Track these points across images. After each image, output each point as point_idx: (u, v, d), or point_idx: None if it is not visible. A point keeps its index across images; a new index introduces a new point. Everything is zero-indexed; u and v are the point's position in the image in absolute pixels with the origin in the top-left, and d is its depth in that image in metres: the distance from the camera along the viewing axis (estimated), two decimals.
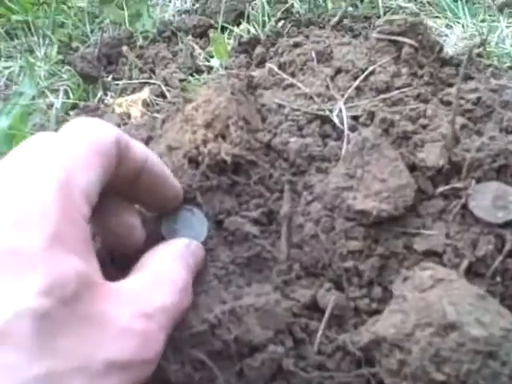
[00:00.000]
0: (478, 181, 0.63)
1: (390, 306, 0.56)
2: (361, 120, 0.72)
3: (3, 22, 1.17)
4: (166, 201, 0.54)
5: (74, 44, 1.15)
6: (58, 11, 1.18)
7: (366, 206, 0.62)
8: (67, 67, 1.09)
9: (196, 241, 0.54)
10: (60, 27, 1.17)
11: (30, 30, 1.15)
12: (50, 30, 1.15)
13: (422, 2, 1.21)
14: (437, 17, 1.20)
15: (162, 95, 1.02)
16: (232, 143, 0.66)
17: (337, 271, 0.61)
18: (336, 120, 0.73)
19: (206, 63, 1.07)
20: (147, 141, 0.78)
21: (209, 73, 1.04)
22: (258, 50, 0.95)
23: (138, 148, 0.47)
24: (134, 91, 1.06)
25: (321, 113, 0.73)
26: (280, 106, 0.74)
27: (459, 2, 1.22)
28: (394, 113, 0.72)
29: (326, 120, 0.73)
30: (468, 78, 0.82)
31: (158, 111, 0.95)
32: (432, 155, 0.66)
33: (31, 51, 1.13)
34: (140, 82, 1.07)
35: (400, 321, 0.53)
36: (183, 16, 1.19)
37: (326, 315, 0.58)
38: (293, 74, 0.79)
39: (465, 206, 0.64)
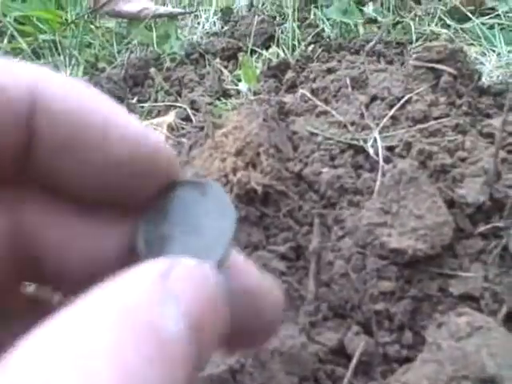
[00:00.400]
0: None
1: (422, 354, 0.52)
2: (396, 151, 0.69)
3: (31, 41, 1.16)
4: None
5: (101, 64, 1.13)
6: (86, 31, 1.16)
7: (401, 244, 0.58)
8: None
9: (210, 260, 0.23)
10: (87, 47, 1.16)
11: (56, 49, 1.14)
12: (76, 49, 1.14)
13: (455, 29, 1.18)
14: (471, 44, 1.17)
15: (188, 119, 0.99)
16: (263, 172, 0.63)
17: (366, 313, 0.58)
18: (370, 150, 0.69)
19: (234, 87, 1.05)
20: None
21: (236, 97, 1.02)
22: (289, 74, 0.92)
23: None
24: (159, 114, 1.04)
25: (354, 142, 0.70)
26: (312, 133, 0.71)
27: (495, 29, 1.19)
28: (431, 144, 0.68)
29: (359, 150, 0.70)
30: (509, 109, 0.79)
31: (183, 135, 0.92)
32: (472, 191, 0.62)
33: (57, 71, 1.12)
34: (166, 105, 1.04)
35: (434, 372, 0.49)
36: (212, 38, 1.17)
37: (354, 362, 0.54)
38: (326, 101, 0.76)
39: (506, 248, 0.60)
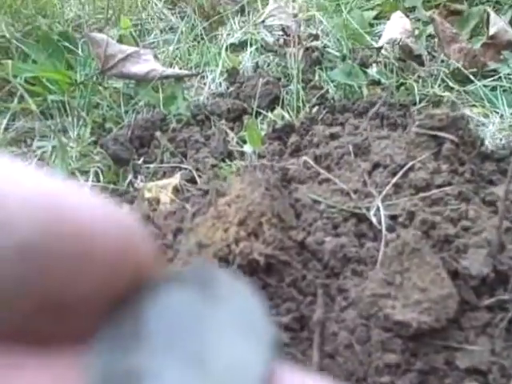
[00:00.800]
0: None
1: None
2: (399, 220, 0.69)
3: (40, 101, 1.18)
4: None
5: (108, 125, 1.15)
6: (94, 92, 1.19)
7: (405, 316, 0.58)
8: (99, 149, 1.09)
9: None
10: (95, 108, 1.17)
11: (65, 110, 1.16)
12: (84, 110, 1.15)
13: (458, 91, 1.19)
14: (474, 105, 1.18)
15: (193, 181, 1.00)
16: (265, 242, 0.64)
17: None
18: (373, 219, 0.69)
19: (239, 148, 1.06)
20: (176, 233, 0.76)
21: (241, 158, 1.03)
22: (293, 138, 0.93)
23: None
24: (164, 175, 1.05)
25: (357, 211, 0.70)
26: (315, 201, 0.72)
27: (497, 91, 1.20)
28: (434, 214, 0.69)
29: (362, 218, 0.70)
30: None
31: (187, 199, 0.93)
32: (476, 263, 0.62)
33: (65, 131, 1.13)
34: (171, 166, 1.05)
35: None
36: (217, 99, 1.19)
37: None
38: (329, 168, 0.77)
39: (511, 320, 0.60)
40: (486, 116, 1.15)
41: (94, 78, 1.21)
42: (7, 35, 1.27)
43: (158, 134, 1.04)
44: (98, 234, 0.15)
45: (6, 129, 1.15)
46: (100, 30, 1.37)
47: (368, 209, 0.71)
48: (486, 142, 0.97)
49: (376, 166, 0.77)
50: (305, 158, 0.78)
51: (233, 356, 0.14)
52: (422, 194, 0.72)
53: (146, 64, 1.19)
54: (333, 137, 0.86)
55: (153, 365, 0.14)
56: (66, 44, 1.29)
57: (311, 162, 0.77)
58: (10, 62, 1.17)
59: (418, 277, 0.60)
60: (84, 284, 0.15)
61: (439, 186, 0.73)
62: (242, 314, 0.14)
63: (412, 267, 0.61)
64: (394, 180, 0.74)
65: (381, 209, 0.70)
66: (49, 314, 0.15)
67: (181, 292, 0.15)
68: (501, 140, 1.05)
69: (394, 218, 0.70)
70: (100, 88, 1.20)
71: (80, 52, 1.29)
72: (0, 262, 0.14)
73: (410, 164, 0.75)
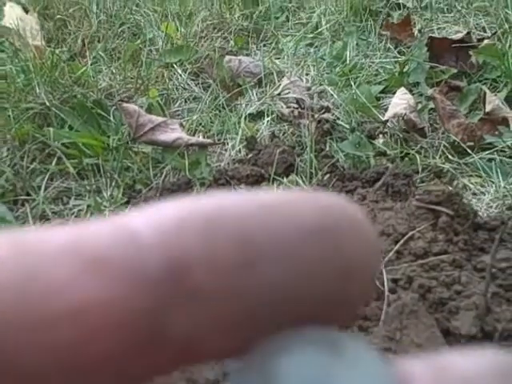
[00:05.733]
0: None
1: None
2: (400, 283, 0.80)
3: (75, 163, 1.30)
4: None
5: (138, 186, 1.26)
6: (125, 156, 1.31)
7: None
8: (129, 208, 1.20)
9: None
10: (126, 170, 1.29)
11: (99, 171, 1.28)
12: (117, 173, 1.27)
13: (457, 162, 1.31)
14: (471, 176, 1.29)
15: None
16: None
17: None
18: (377, 282, 0.80)
19: None
20: None
21: None
22: None
23: None
24: None
25: None
26: None
27: (493, 163, 1.32)
28: (430, 278, 0.79)
29: None
30: (498, 245, 0.90)
31: None
32: (466, 324, 0.72)
33: (99, 192, 1.25)
34: None
35: None
36: (237, 165, 1.31)
37: None
38: None
39: None
40: (482, 186, 1.26)
41: (126, 144, 1.34)
42: (47, 103, 1.41)
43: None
44: None
45: (45, 188, 1.27)
46: (129, 98, 1.51)
47: None
48: (480, 213, 1.08)
49: (380, 234, 0.87)
50: None
51: None
52: (420, 261, 0.82)
53: (173, 133, 1.32)
54: None
55: None
56: (99, 111, 1.42)
57: None
58: (51, 129, 1.30)
59: (415, 334, 0.70)
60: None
61: (436, 254, 0.84)
62: (373, 377, 0.13)
63: (410, 326, 0.71)
64: (396, 247, 0.84)
65: (384, 273, 0.80)
66: None
67: (312, 352, 0.14)
68: (495, 209, 1.16)
69: (395, 281, 0.80)
70: (131, 153, 1.33)
71: (112, 118, 1.42)
72: None
73: (410, 233, 0.86)
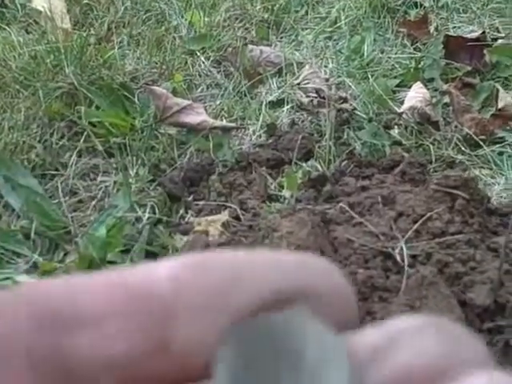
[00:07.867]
0: None
1: None
2: (419, 259, 0.85)
3: (103, 142, 1.35)
4: None
5: (163, 166, 1.32)
6: (151, 136, 1.36)
7: None
8: (154, 185, 1.26)
9: None
10: (151, 150, 1.35)
11: (125, 150, 1.33)
12: (143, 152, 1.33)
13: (469, 154, 1.36)
14: (482, 167, 1.35)
15: (238, 218, 1.16)
16: None
17: None
18: (397, 257, 0.85)
19: (278, 193, 1.22)
20: None
21: (281, 201, 1.19)
22: (327, 187, 1.10)
23: None
24: (211, 212, 1.21)
25: (384, 249, 0.86)
26: (349, 240, 0.88)
27: (503, 156, 1.37)
28: (448, 255, 0.84)
29: (388, 256, 0.86)
30: None
31: (234, 233, 1.09)
32: (480, 296, 0.77)
33: (125, 169, 1.30)
34: (217, 204, 1.22)
35: None
36: (258, 149, 1.36)
37: None
38: (361, 214, 0.93)
39: (507, 343, 0.74)
40: (492, 177, 1.32)
41: (151, 125, 1.39)
42: (75, 83, 1.46)
43: (213, 177, 1.21)
44: None
45: (73, 164, 1.32)
46: (154, 82, 1.56)
47: (393, 248, 0.86)
48: (492, 200, 1.13)
49: (400, 214, 0.93)
50: (341, 204, 0.95)
51: None
52: (437, 240, 0.88)
53: (198, 116, 1.37)
54: (363, 189, 1.03)
55: None
56: (125, 93, 1.48)
57: (347, 208, 0.93)
58: (82, 107, 1.35)
59: (434, 303, 0.76)
60: None
61: (452, 234, 0.89)
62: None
63: (429, 296, 0.77)
64: (415, 227, 0.90)
65: (404, 249, 0.86)
66: None
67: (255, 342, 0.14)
68: (505, 198, 1.21)
69: (414, 257, 0.86)
70: (156, 133, 1.38)
71: (136, 101, 1.47)
72: None
73: (429, 215, 0.91)
